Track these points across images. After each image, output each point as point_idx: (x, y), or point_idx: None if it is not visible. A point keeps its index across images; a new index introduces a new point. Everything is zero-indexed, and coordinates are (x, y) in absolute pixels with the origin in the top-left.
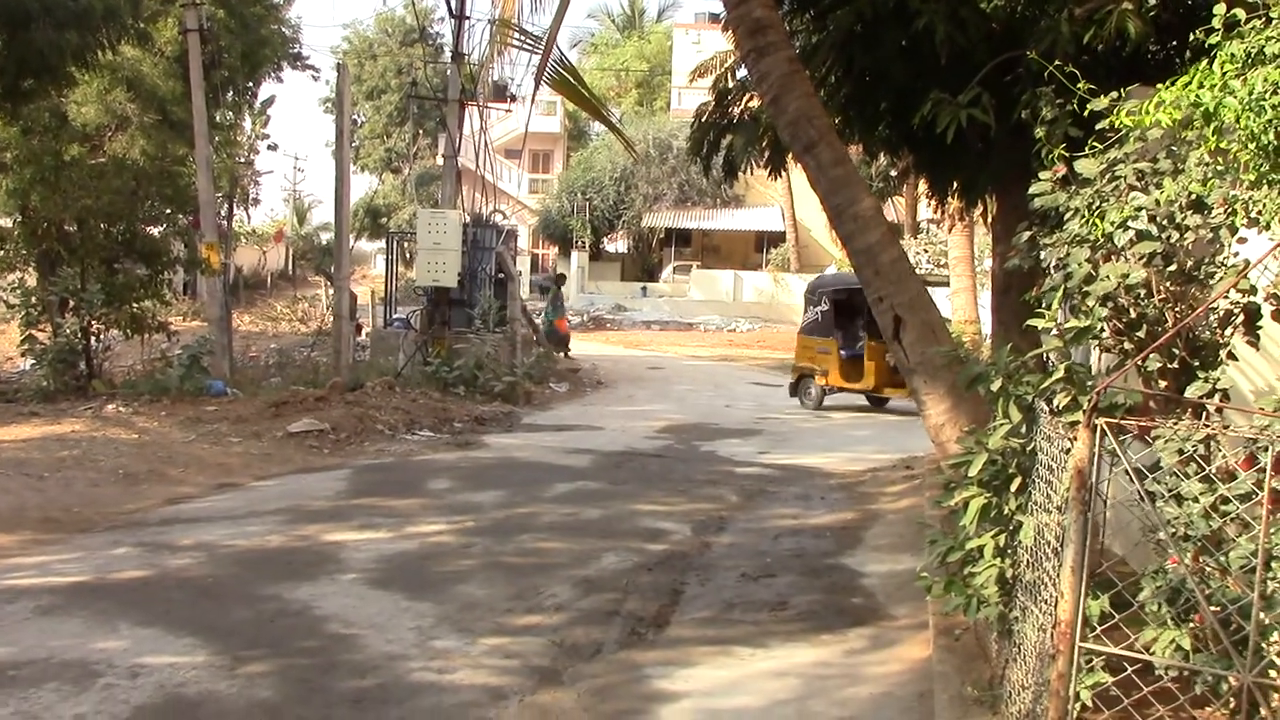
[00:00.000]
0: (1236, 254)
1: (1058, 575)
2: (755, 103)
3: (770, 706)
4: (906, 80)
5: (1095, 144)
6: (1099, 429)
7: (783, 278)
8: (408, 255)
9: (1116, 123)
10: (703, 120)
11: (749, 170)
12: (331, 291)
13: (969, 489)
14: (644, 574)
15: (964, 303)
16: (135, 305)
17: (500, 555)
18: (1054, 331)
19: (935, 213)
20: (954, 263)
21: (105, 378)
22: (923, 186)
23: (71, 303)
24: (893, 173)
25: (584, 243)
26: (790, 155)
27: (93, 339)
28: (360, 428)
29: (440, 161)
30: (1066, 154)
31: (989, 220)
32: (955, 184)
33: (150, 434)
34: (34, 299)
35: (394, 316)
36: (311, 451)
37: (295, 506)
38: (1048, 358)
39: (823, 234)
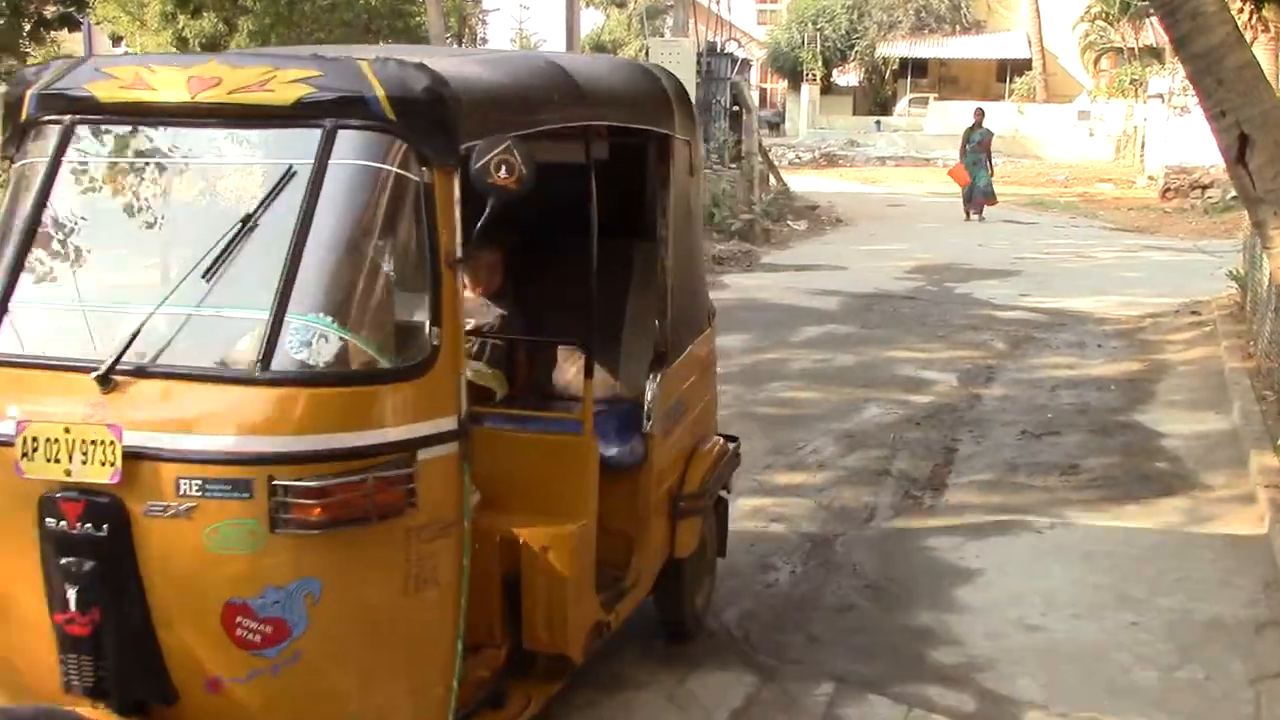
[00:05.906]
0: None
1: None
2: None
3: (1083, 592)
4: None
5: None
6: None
7: (1027, 109)
8: None
9: None
10: None
11: None
12: None
13: None
14: (911, 428)
15: None
16: None
17: (751, 404)
18: None
19: None
20: None
21: None
22: None
23: None
24: None
25: (814, 76)
26: None
27: None
28: None
29: None
30: None
31: None
32: None
33: None
34: None
35: None
36: None
37: None
38: None
39: (1072, 60)
